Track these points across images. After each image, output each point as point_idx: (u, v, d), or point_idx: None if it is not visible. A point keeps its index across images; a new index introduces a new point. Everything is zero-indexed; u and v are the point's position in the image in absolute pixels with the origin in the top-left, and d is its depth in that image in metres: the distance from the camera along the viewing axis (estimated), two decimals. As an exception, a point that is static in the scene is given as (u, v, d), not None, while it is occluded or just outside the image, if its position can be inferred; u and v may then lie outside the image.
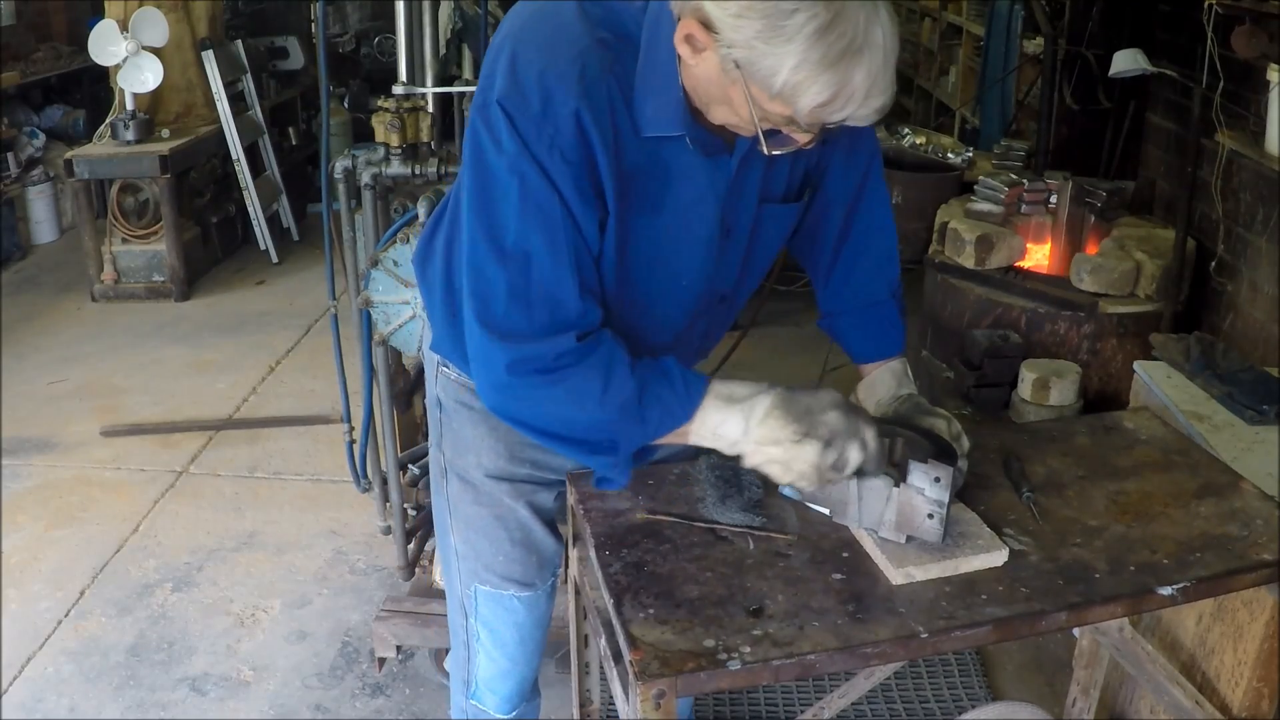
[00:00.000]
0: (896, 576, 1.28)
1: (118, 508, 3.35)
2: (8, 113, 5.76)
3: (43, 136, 5.94)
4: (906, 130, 5.05)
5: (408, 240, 2.20)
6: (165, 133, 5.12)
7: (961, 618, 1.22)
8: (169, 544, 3.16)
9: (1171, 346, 2.47)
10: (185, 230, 5.17)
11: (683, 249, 1.39)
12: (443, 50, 2.74)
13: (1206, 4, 3.05)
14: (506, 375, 1.29)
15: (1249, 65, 3.11)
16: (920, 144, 4.90)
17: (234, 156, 5.34)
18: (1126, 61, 3.23)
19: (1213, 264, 3.40)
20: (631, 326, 1.40)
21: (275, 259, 5.58)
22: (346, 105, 6.79)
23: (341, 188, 2.37)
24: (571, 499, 1.48)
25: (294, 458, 3.65)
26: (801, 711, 2.21)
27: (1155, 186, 3.97)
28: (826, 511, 1.38)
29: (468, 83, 2.87)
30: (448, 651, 2.54)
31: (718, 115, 1.25)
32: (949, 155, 4.78)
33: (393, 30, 2.96)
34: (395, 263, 2.23)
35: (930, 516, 1.28)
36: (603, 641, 1.35)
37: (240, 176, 5.40)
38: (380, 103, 2.37)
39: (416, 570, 2.65)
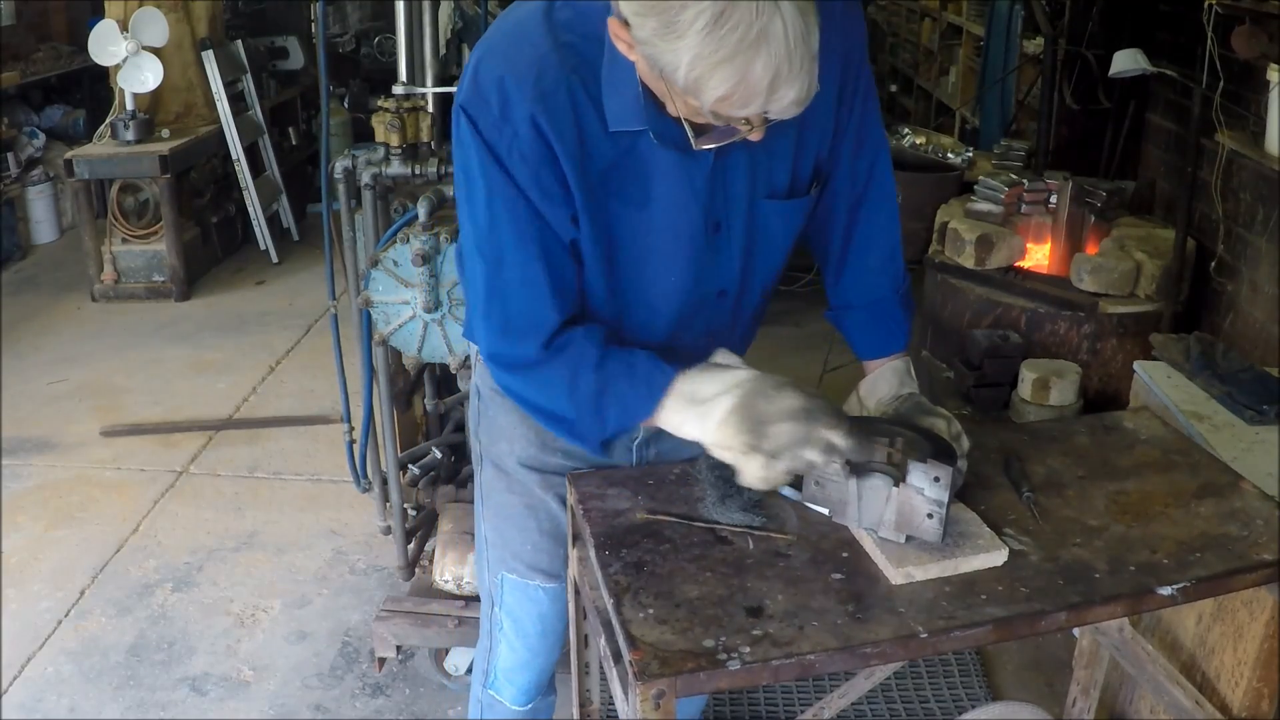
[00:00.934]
0: (896, 576, 1.28)
1: (118, 508, 3.35)
2: (8, 113, 5.76)
3: (43, 136, 5.95)
4: (906, 130, 5.05)
5: (407, 240, 2.20)
6: (165, 133, 5.12)
7: (961, 618, 1.22)
8: (169, 544, 3.16)
9: (1171, 346, 2.47)
10: (185, 230, 5.18)
11: (669, 243, 1.40)
12: (443, 50, 2.74)
13: (1206, 4, 3.05)
14: (489, 360, 1.43)
15: (1249, 65, 3.11)
16: (920, 144, 4.90)
17: (234, 156, 5.34)
18: (1126, 61, 3.23)
19: (1213, 264, 3.40)
20: (623, 320, 1.43)
21: (275, 259, 5.58)
22: (346, 105, 6.78)
23: (341, 188, 2.37)
24: (571, 499, 1.48)
25: (294, 458, 3.65)
26: (801, 711, 2.21)
27: (1155, 186, 3.98)
28: (826, 511, 1.38)
29: (468, 83, 2.86)
30: (448, 652, 2.55)
31: (671, 109, 1.25)
32: (949, 155, 4.77)
33: (393, 30, 2.97)
34: (395, 263, 2.23)
35: (930, 516, 1.28)
36: (602, 641, 1.35)
37: (240, 176, 5.41)
38: (380, 103, 2.37)
39: (416, 570, 2.65)
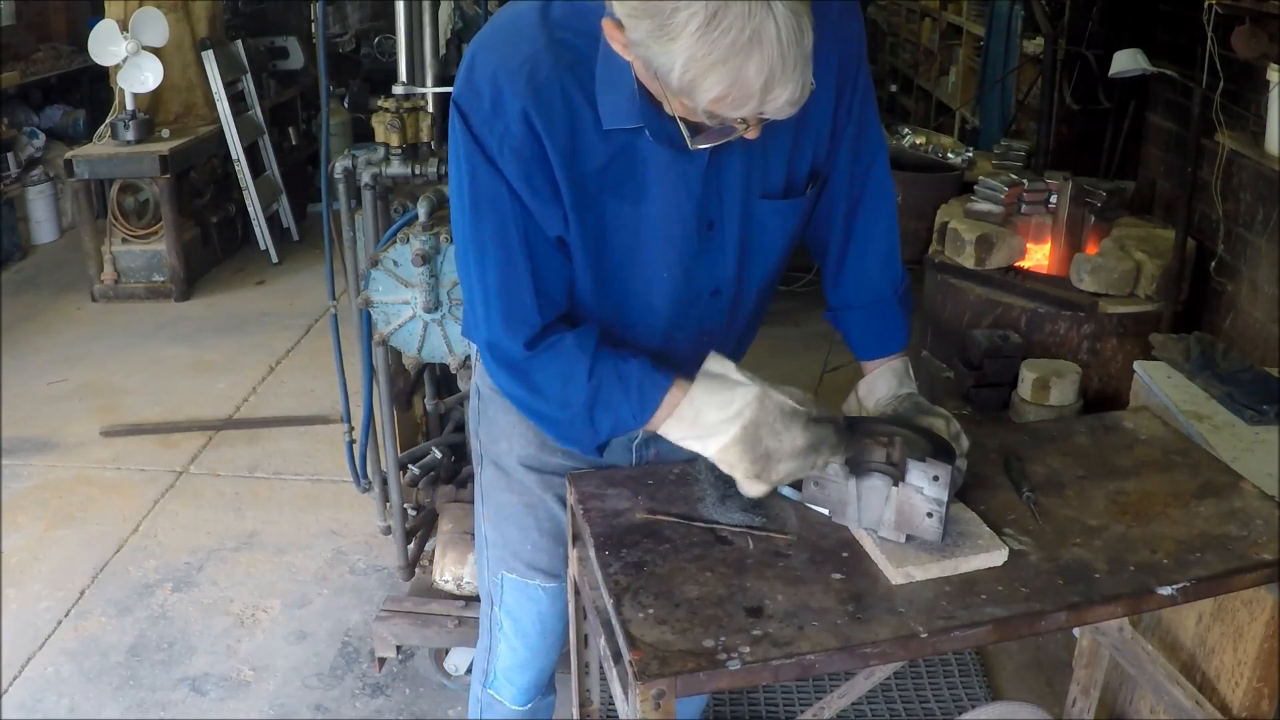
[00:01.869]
0: (896, 576, 1.28)
1: (118, 508, 3.35)
2: (8, 113, 5.76)
3: (43, 136, 5.95)
4: (906, 130, 5.04)
5: (407, 240, 2.20)
6: (165, 133, 5.12)
7: (961, 617, 1.22)
8: (169, 544, 3.16)
9: (1171, 346, 2.47)
10: (185, 230, 5.17)
11: (660, 241, 1.40)
12: (443, 50, 2.74)
13: (1206, 4, 3.05)
14: (487, 353, 1.42)
15: (1249, 65, 3.10)
16: (920, 144, 4.90)
17: (234, 156, 5.34)
18: (1126, 61, 3.23)
19: (1213, 264, 3.39)
20: (615, 319, 1.43)
21: (275, 259, 5.58)
22: (346, 105, 6.78)
23: (341, 188, 2.37)
24: (571, 499, 1.48)
25: (294, 458, 3.65)
26: (801, 711, 2.21)
27: (1155, 186, 3.97)
28: (826, 511, 1.38)
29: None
30: (448, 652, 2.55)
31: (668, 108, 1.26)
32: (949, 155, 4.77)
33: (393, 30, 2.96)
34: (395, 263, 2.23)
35: (929, 515, 1.28)
36: (602, 641, 1.35)
37: (240, 176, 5.40)
38: (380, 103, 2.37)
39: (416, 570, 2.66)
